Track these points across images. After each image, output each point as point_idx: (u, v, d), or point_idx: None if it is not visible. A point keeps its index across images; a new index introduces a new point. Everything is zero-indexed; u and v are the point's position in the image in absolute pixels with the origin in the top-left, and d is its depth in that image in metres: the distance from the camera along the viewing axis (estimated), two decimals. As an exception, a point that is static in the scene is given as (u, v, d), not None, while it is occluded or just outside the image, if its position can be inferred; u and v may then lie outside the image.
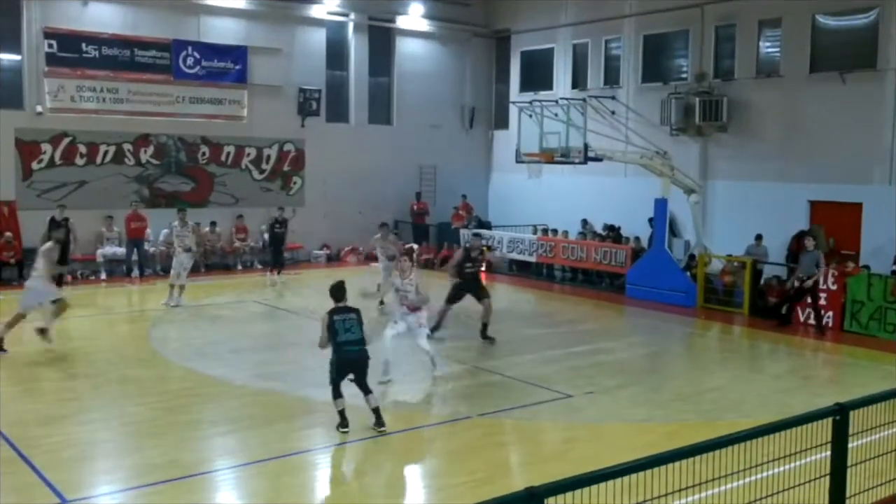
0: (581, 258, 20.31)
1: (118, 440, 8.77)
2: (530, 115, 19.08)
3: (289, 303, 17.05)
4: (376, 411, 8.87)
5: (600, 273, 20.21)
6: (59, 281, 15.55)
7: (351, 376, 8.86)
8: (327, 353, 12.90)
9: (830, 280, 15.31)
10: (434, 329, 13.05)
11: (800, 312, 15.77)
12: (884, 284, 14.63)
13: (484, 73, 26.81)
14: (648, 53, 22.22)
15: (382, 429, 8.82)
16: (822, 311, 15.19)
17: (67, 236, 15.84)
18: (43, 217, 19.08)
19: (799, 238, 18.30)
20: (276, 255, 19.99)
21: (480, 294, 13.87)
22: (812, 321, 15.38)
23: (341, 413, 8.78)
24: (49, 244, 12.97)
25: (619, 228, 21.50)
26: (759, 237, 18.16)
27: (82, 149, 19.98)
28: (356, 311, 8.98)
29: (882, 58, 17.37)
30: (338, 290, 9.07)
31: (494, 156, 26.55)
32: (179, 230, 16.79)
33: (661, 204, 18.05)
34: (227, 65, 21.81)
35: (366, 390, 8.92)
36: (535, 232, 22.68)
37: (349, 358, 8.80)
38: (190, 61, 21.20)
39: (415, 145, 25.03)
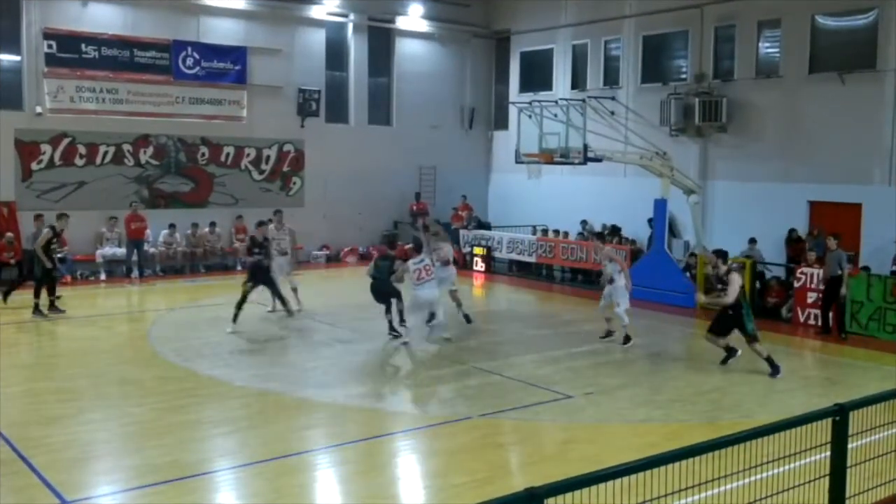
0: (581, 259, 20.30)
1: (118, 441, 8.77)
2: (530, 116, 19.08)
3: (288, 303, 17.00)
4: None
5: (599, 273, 20.18)
6: (51, 287, 15.39)
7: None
8: (326, 354, 12.97)
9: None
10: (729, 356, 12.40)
11: (799, 313, 15.77)
12: (883, 285, 14.63)
13: (483, 73, 26.82)
14: (648, 54, 22.23)
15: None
16: (832, 312, 14.79)
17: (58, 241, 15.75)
18: (43, 218, 19.09)
19: (791, 242, 18.31)
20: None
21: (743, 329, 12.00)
22: (811, 321, 15.41)
23: None
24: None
25: (620, 229, 21.46)
26: (752, 240, 18.19)
27: (82, 149, 19.98)
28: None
29: (881, 58, 17.38)
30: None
31: (494, 156, 26.56)
32: (276, 233, 15.70)
33: (660, 204, 18.05)
34: (227, 65, 21.81)
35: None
36: (534, 232, 22.69)
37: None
38: (189, 62, 21.20)
39: (414, 146, 25.04)
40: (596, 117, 18.96)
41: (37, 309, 15.10)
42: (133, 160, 20.75)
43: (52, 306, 15.37)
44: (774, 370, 11.77)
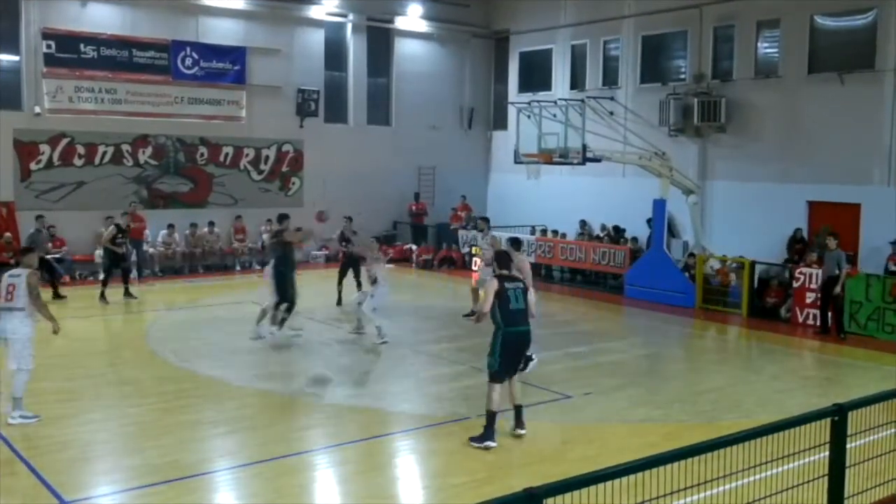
0: (580, 259, 20.31)
1: (117, 441, 8.77)
2: (529, 116, 19.09)
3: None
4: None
5: (599, 274, 20.23)
6: (123, 276, 17.09)
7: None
8: (326, 354, 12.94)
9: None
10: None
11: (798, 313, 15.77)
12: (882, 285, 14.63)
13: (483, 73, 26.82)
14: (647, 54, 22.24)
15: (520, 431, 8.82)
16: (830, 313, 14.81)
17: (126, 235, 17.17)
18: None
19: (795, 242, 18.29)
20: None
21: None
22: (811, 321, 15.42)
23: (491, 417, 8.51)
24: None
25: (623, 230, 21.44)
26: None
27: (80, 149, 19.98)
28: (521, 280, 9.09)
29: (880, 58, 17.39)
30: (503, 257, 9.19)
31: (493, 156, 26.57)
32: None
33: (659, 204, 18.06)
34: (226, 65, 21.81)
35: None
36: (533, 232, 22.70)
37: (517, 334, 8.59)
38: (188, 62, 21.20)
39: (413, 146, 25.04)
40: (595, 117, 18.96)
41: (102, 296, 16.58)
42: (132, 160, 20.75)
43: (126, 293, 17.00)
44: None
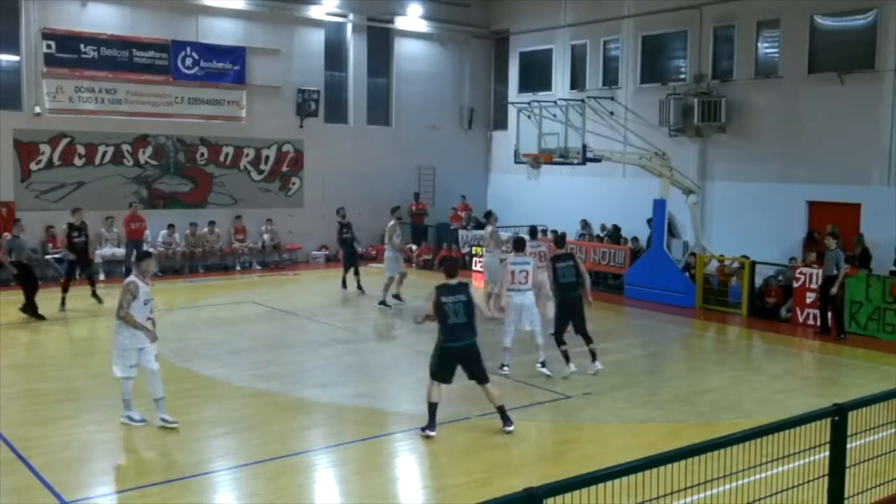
0: (580, 259, 20.26)
1: (117, 441, 8.77)
2: (529, 116, 19.07)
3: (287, 304, 17.03)
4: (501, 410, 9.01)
5: (599, 274, 20.20)
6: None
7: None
8: (325, 354, 12.94)
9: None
10: None
11: (798, 313, 15.76)
12: (882, 285, 14.63)
13: (482, 73, 26.82)
14: (647, 54, 22.24)
15: (509, 428, 8.95)
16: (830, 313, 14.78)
17: (86, 238, 16.50)
18: (42, 218, 19.18)
19: (812, 243, 18.22)
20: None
21: None
22: (811, 321, 15.42)
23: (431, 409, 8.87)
24: (392, 223, 16.88)
25: (619, 229, 21.46)
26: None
27: (81, 150, 19.98)
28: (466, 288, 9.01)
29: (880, 59, 17.38)
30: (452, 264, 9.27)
31: (493, 156, 26.57)
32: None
33: (659, 205, 18.05)
34: (226, 65, 21.81)
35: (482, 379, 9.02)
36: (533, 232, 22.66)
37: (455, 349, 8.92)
38: (189, 62, 21.20)
39: (413, 146, 25.04)
40: (595, 117, 18.95)
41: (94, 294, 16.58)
42: (132, 160, 20.74)
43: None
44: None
